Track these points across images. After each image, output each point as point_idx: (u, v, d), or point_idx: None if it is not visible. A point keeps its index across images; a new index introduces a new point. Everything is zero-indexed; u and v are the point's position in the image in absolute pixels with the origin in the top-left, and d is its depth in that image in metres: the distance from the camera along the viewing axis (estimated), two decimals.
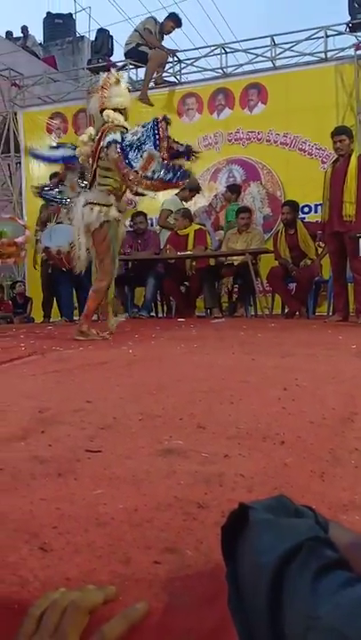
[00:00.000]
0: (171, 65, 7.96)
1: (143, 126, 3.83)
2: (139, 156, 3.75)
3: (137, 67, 8.09)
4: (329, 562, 0.53)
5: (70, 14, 15.83)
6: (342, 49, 7.12)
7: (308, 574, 0.52)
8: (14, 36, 14.21)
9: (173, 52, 7.88)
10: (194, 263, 6.48)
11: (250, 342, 3.60)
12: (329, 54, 7.10)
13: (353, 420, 1.61)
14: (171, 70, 7.99)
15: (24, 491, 1.10)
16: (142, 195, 4.17)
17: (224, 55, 7.63)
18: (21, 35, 14.06)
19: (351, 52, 7.00)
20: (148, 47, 7.63)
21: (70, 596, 0.67)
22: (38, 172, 8.55)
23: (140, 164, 3.73)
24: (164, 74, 7.95)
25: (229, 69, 7.67)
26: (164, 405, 1.80)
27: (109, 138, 3.87)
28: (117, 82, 4.09)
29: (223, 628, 0.65)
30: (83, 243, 4.08)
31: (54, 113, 8.56)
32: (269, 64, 7.44)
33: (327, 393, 1.95)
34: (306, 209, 6.81)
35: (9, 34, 14.17)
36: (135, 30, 7.88)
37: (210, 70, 7.88)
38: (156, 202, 7.04)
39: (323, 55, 7.13)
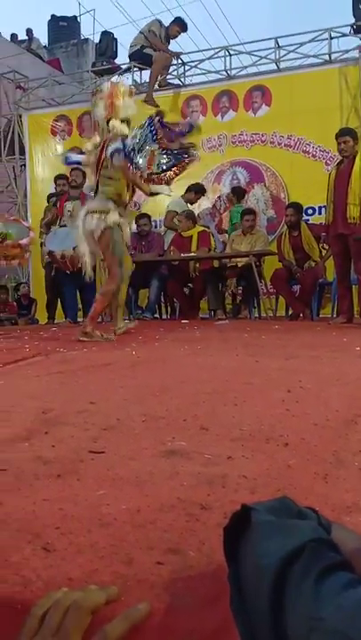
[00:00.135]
0: (175, 67, 7.98)
1: (140, 127, 3.88)
2: (143, 157, 3.79)
3: (141, 69, 8.11)
4: (332, 563, 0.53)
5: (75, 17, 15.88)
6: (346, 51, 7.12)
7: (311, 576, 0.51)
8: (19, 38, 14.25)
9: (178, 55, 7.89)
10: (197, 265, 6.48)
11: (254, 344, 3.60)
12: (333, 56, 7.10)
13: (357, 422, 1.60)
14: (175, 72, 8.01)
15: (27, 491, 1.10)
16: (157, 194, 4.22)
17: (228, 57, 7.63)
18: (26, 37, 14.10)
19: (355, 53, 6.99)
20: (153, 49, 7.65)
21: (73, 596, 0.68)
22: (43, 174, 8.59)
23: (144, 164, 3.78)
24: (169, 76, 7.97)
25: (233, 71, 7.67)
26: (167, 407, 1.80)
27: (112, 148, 3.94)
28: (131, 94, 4.16)
29: (225, 629, 0.65)
30: (84, 251, 4.15)
31: (59, 115, 8.58)
32: (273, 66, 7.45)
33: (331, 395, 1.94)
34: (310, 211, 6.80)
35: (14, 36, 14.21)
36: (140, 32, 7.90)
37: (214, 72, 7.89)
38: (161, 203, 7.07)
39: (327, 57, 7.12)
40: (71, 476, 1.18)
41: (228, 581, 0.63)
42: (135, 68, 8.13)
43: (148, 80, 7.88)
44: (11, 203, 9.07)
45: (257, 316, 6.48)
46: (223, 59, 7.65)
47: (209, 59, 7.85)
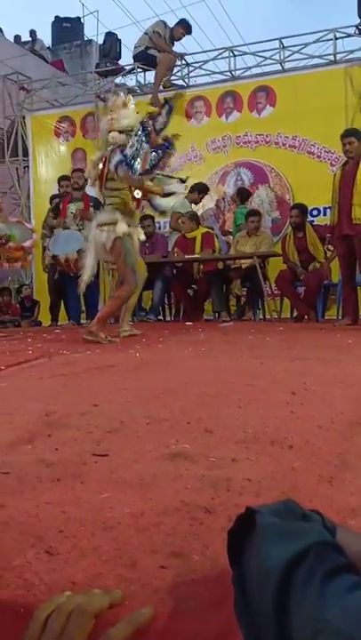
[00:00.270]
0: (179, 68, 7.98)
1: (135, 135, 3.96)
2: (139, 161, 3.91)
3: (145, 70, 8.11)
4: (337, 566, 0.53)
5: (78, 18, 15.90)
6: (351, 51, 7.10)
7: (316, 578, 0.51)
8: (23, 40, 14.30)
9: (182, 56, 7.90)
10: (201, 267, 6.48)
11: (258, 346, 3.59)
12: (338, 57, 7.08)
13: None
14: (179, 73, 8.01)
15: (30, 494, 1.10)
16: (171, 193, 4.28)
17: (232, 58, 7.63)
18: (30, 39, 14.16)
19: (360, 54, 6.98)
20: (157, 50, 7.66)
21: (76, 600, 0.67)
22: (46, 176, 8.61)
23: (140, 167, 3.88)
24: (173, 77, 7.97)
25: (238, 72, 7.67)
26: (171, 409, 1.79)
27: (114, 161, 4.03)
28: (125, 105, 4.22)
29: (229, 632, 0.64)
30: (90, 264, 4.27)
31: (62, 116, 8.60)
32: (278, 67, 7.44)
33: (336, 397, 1.94)
34: (315, 212, 6.79)
35: (17, 38, 14.26)
36: (144, 33, 7.91)
37: (218, 73, 7.89)
38: (165, 205, 7.06)
39: (332, 57, 7.11)
40: (74, 479, 1.18)
41: (233, 584, 0.63)
42: (139, 69, 8.14)
43: (152, 81, 7.89)
44: (14, 204, 9.09)
45: (261, 317, 6.47)
46: (227, 59, 7.65)
47: (213, 59, 7.85)
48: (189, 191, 6.75)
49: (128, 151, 3.95)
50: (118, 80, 8.70)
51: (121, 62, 8.77)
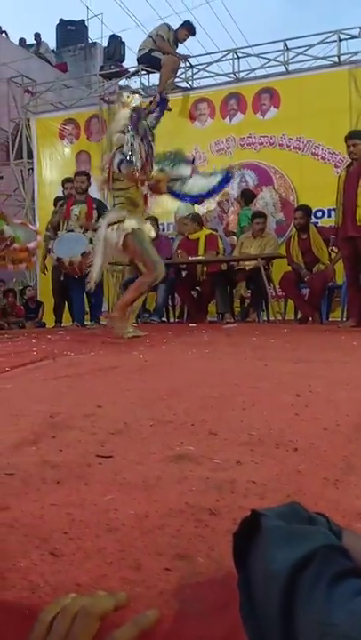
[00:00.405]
0: (183, 70, 7.99)
1: (125, 132, 4.08)
2: (136, 155, 4.05)
3: (149, 72, 8.13)
4: (343, 570, 0.53)
5: (83, 21, 15.97)
6: (356, 53, 7.11)
7: (323, 582, 0.51)
8: (27, 43, 14.35)
9: (186, 58, 7.91)
10: (205, 268, 6.48)
11: (262, 348, 3.59)
12: (342, 58, 7.08)
13: None
14: (183, 75, 8.02)
15: (35, 495, 1.10)
16: (178, 179, 4.30)
17: (236, 60, 7.64)
18: (34, 42, 14.21)
19: None
20: (162, 53, 7.67)
21: (81, 602, 0.67)
22: (50, 178, 8.63)
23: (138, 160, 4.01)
24: (177, 79, 7.98)
25: (242, 74, 7.68)
26: (175, 411, 1.79)
27: (116, 160, 4.13)
28: (125, 105, 4.29)
29: (235, 635, 0.64)
30: (98, 263, 4.33)
31: (67, 119, 8.62)
32: (282, 68, 7.44)
33: (341, 399, 1.93)
34: (319, 213, 6.78)
35: (22, 41, 14.32)
36: (149, 36, 7.93)
37: (222, 75, 7.90)
38: (168, 206, 7.09)
39: (336, 59, 7.11)
40: (79, 480, 1.18)
41: (238, 588, 0.63)
42: (143, 72, 8.16)
43: (156, 83, 7.90)
44: (18, 206, 9.11)
45: (265, 319, 6.46)
46: (231, 61, 7.66)
47: (217, 61, 7.87)
48: None
49: (125, 149, 4.03)
50: (122, 82, 8.73)
51: (125, 65, 8.81)
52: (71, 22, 16.19)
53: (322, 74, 7.13)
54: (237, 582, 0.63)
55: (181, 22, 7.90)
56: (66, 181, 7.08)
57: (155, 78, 8.01)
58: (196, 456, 1.32)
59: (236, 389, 2.14)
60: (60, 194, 7.31)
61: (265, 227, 6.44)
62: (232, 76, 7.70)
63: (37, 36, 14.29)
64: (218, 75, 7.94)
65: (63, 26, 16.21)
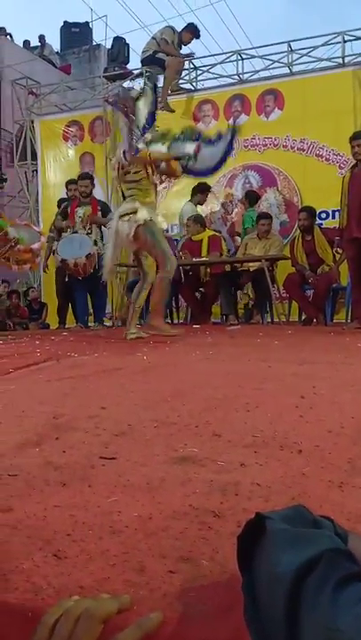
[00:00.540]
0: (187, 72, 8.00)
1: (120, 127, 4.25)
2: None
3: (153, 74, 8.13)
4: (349, 574, 0.52)
5: (87, 23, 16.00)
6: (360, 54, 7.09)
7: (328, 586, 0.50)
8: (31, 45, 14.40)
9: (189, 56, 7.90)
10: (208, 270, 6.47)
11: (266, 349, 3.58)
12: (347, 59, 7.07)
13: None
14: (187, 77, 8.03)
15: (38, 497, 1.10)
16: (181, 157, 4.35)
17: (240, 61, 7.64)
18: (39, 44, 14.25)
19: None
20: (166, 54, 7.68)
21: (84, 605, 0.66)
22: (54, 180, 8.64)
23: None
24: (181, 81, 7.99)
25: (246, 76, 7.68)
26: (179, 412, 1.79)
27: (119, 152, 4.28)
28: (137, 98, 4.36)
29: (239, 638, 0.63)
30: (109, 254, 4.37)
31: (71, 121, 8.63)
32: (286, 70, 7.44)
33: (346, 401, 1.92)
34: (323, 215, 6.77)
35: (26, 43, 14.36)
36: (152, 38, 7.93)
37: (226, 77, 7.90)
38: (172, 207, 7.10)
39: (340, 60, 7.10)
40: (82, 482, 1.17)
41: (242, 590, 0.62)
42: (147, 73, 8.15)
43: (160, 85, 7.91)
44: (22, 208, 9.13)
45: (270, 321, 6.45)
46: (235, 63, 7.66)
47: (221, 63, 7.87)
48: (192, 195, 6.78)
49: (125, 139, 4.15)
50: (126, 84, 8.73)
51: (129, 66, 8.81)
52: (75, 24, 16.24)
53: (326, 75, 7.12)
54: (242, 585, 0.63)
55: (186, 25, 7.91)
56: (69, 183, 7.10)
57: (158, 80, 8.01)
58: (199, 458, 1.32)
59: (240, 391, 2.14)
60: (64, 195, 7.32)
61: (270, 228, 6.42)
62: (236, 77, 7.70)
63: (42, 38, 14.33)
64: (222, 76, 7.95)
65: (67, 28, 16.27)
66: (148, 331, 4.18)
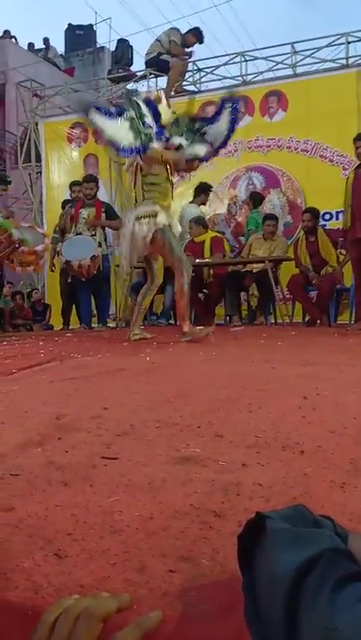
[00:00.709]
0: (191, 74, 8.01)
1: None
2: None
3: (157, 76, 8.15)
4: (348, 574, 0.52)
5: (91, 25, 16.07)
6: None
7: (327, 586, 0.50)
8: (36, 47, 14.46)
9: (190, 55, 7.90)
10: (211, 271, 6.47)
11: (270, 350, 3.57)
12: (350, 60, 7.07)
13: None
14: (191, 79, 8.04)
15: (40, 496, 1.10)
16: (194, 159, 4.33)
17: (244, 63, 7.65)
18: (43, 46, 14.30)
19: None
20: (171, 55, 7.69)
21: (84, 604, 0.66)
22: (58, 181, 8.67)
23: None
24: (184, 82, 8.00)
25: (249, 77, 7.68)
26: (181, 413, 1.79)
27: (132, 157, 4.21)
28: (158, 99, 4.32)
29: (239, 638, 0.63)
30: (125, 252, 4.30)
31: (75, 123, 8.64)
32: (290, 71, 7.44)
33: (349, 402, 1.92)
34: (327, 216, 6.76)
35: (31, 46, 14.42)
36: (157, 40, 7.95)
37: (230, 78, 7.91)
38: (175, 209, 7.09)
39: (344, 61, 7.10)
40: (84, 482, 1.18)
41: (242, 590, 0.62)
42: (151, 75, 8.18)
43: (163, 87, 7.92)
44: (27, 209, 9.16)
45: (273, 322, 6.44)
46: (239, 64, 7.67)
47: (225, 65, 7.88)
48: (194, 196, 6.79)
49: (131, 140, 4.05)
50: (130, 86, 8.76)
51: (133, 68, 8.83)
52: (79, 27, 16.30)
53: (330, 76, 7.12)
54: (242, 585, 0.62)
55: (190, 28, 7.92)
56: (73, 184, 7.11)
57: (162, 82, 8.03)
58: (201, 458, 1.32)
59: (242, 392, 2.14)
60: (68, 197, 7.34)
61: (276, 229, 6.42)
62: (240, 78, 7.71)
63: (46, 40, 14.39)
64: (225, 78, 7.96)
65: (71, 30, 16.33)
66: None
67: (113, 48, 9.62)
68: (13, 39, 13.58)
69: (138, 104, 4.11)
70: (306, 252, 6.02)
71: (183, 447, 1.41)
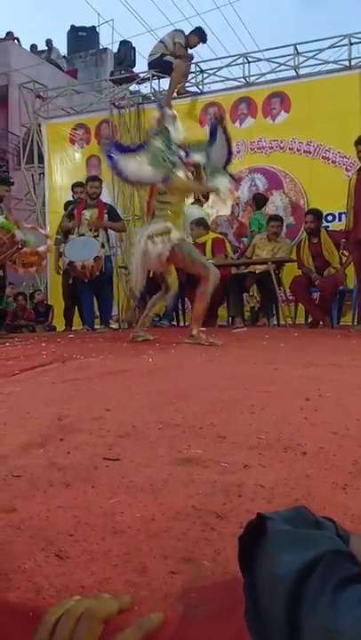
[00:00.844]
0: (193, 75, 8.02)
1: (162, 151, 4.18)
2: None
3: (160, 77, 8.16)
4: (350, 575, 0.52)
5: (94, 27, 16.11)
6: None
7: (328, 587, 0.50)
8: (39, 49, 14.49)
9: (191, 57, 7.92)
10: None
11: (272, 352, 3.57)
12: (353, 62, 7.07)
13: None
14: (193, 80, 8.05)
15: (41, 497, 1.10)
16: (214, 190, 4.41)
17: (246, 64, 7.65)
18: (46, 48, 14.34)
19: None
20: (174, 57, 7.70)
21: (85, 605, 0.66)
22: (61, 183, 8.68)
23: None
24: (187, 84, 8.01)
25: (252, 78, 7.69)
26: (183, 414, 1.79)
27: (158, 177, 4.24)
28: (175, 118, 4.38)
29: None
30: (137, 270, 4.31)
31: (77, 124, 8.67)
32: (292, 72, 7.44)
33: (351, 403, 1.91)
34: (330, 217, 6.76)
35: (33, 47, 14.46)
36: (160, 41, 7.96)
37: (232, 80, 7.91)
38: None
39: (347, 63, 7.09)
40: (86, 483, 1.18)
41: (244, 592, 0.62)
42: (154, 77, 8.18)
43: (166, 88, 7.93)
44: (29, 210, 9.17)
45: (276, 323, 6.44)
46: (241, 66, 7.67)
47: (227, 66, 7.88)
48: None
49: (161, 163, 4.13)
50: (133, 88, 8.76)
51: (135, 70, 8.83)
52: (82, 28, 16.34)
53: (332, 78, 7.12)
54: (243, 586, 0.62)
55: (193, 28, 7.93)
56: (75, 186, 7.12)
57: (165, 83, 8.04)
58: (203, 459, 1.31)
59: (245, 393, 2.13)
60: (71, 198, 7.35)
61: (280, 231, 6.41)
62: (242, 80, 7.71)
63: (49, 42, 14.43)
64: (228, 79, 7.96)
65: (74, 32, 16.37)
66: (186, 340, 4.16)
67: (115, 50, 9.60)
68: (16, 41, 13.60)
69: (167, 129, 4.17)
70: (308, 254, 6.01)
71: (185, 448, 1.41)
